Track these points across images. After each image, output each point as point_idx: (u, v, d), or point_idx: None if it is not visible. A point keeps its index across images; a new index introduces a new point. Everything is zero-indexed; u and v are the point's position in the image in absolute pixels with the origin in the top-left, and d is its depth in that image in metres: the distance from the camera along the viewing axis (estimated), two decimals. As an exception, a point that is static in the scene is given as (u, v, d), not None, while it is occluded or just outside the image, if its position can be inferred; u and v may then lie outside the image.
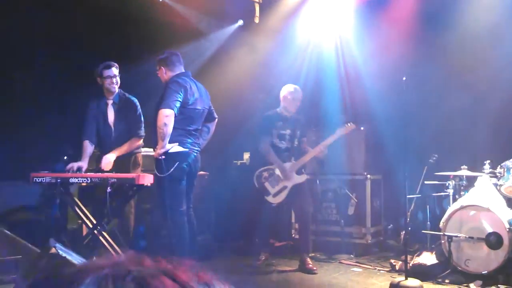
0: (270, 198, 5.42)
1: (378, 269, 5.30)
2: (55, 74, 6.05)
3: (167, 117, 4.17)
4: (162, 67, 4.54)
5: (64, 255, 2.74)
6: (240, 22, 7.75)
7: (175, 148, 4.30)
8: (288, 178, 5.37)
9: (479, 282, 4.51)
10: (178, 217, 4.37)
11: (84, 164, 4.64)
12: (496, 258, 4.53)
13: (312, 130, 6.26)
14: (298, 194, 5.43)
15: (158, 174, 4.29)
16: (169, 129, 4.19)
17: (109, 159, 4.61)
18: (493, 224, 4.60)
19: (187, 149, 4.42)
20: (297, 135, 5.48)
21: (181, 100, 4.31)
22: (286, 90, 5.53)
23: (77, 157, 4.76)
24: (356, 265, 5.52)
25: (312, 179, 6.22)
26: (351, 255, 5.95)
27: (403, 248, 4.95)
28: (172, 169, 4.24)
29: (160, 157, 4.22)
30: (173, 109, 4.21)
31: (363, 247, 6.11)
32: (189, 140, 4.46)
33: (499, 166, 4.95)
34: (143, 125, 4.97)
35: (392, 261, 5.29)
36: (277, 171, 5.42)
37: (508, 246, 4.48)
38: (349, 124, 5.40)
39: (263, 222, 5.57)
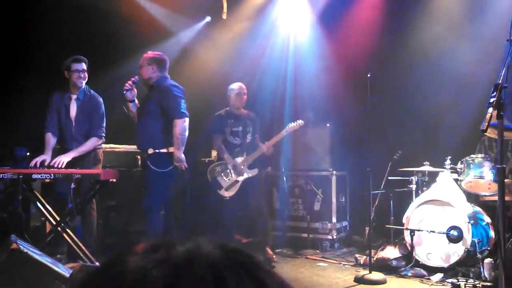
0: (222, 192, 5.55)
1: (343, 264, 5.38)
2: (15, 69, 5.89)
3: (186, 124, 4.56)
4: (155, 65, 4.69)
5: (25, 250, 2.69)
6: (208, 19, 7.72)
7: (171, 149, 4.56)
8: (239, 172, 5.53)
9: (440, 275, 4.63)
10: (160, 211, 4.66)
11: (47, 157, 4.58)
12: (456, 252, 4.66)
13: (274, 127, 6.32)
14: (250, 188, 5.57)
15: (158, 170, 4.49)
16: (187, 134, 4.57)
17: (61, 159, 4.50)
18: (454, 218, 4.73)
19: None
20: (250, 130, 5.65)
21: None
22: (229, 88, 5.73)
23: (38, 152, 4.68)
24: (322, 260, 5.58)
25: (279, 175, 6.29)
26: (317, 251, 6.02)
27: (367, 243, 5.05)
28: (171, 167, 4.53)
29: (180, 164, 4.53)
30: (188, 116, 4.59)
31: (329, 242, 6.18)
32: None
33: (460, 161, 5.09)
34: (104, 125, 4.92)
35: (357, 255, 5.38)
36: (229, 165, 5.58)
37: (467, 240, 4.60)
38: (297, 122, 5.60)
39: (223, 216, 5.67)
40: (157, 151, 4.52)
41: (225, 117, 5.67)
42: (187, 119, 4.56)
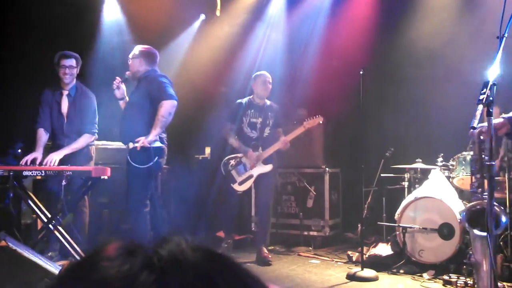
0: (236, 186, 5.48)
1: (336, 261, 5.39)
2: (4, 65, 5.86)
3: (173, 108, 4.40)
4: (142, 59, 4.62)
5: (14, 248, 2.68)
6: (203, 17, 7.69)
7: (157, 142, 4.42)
8: (253, 166, 5.45)
9: (432, 272, 4.64)
10: (144, 208, 4.47)
11: (38, 154, 4.55)
12: (448, 248, 4.67)
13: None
14: (261, 185, 5.54)
15: (137, 166, 4.35)
16: (170, 119, 4.40)
17: (53, 157, 4.49)
18: (445, 215, 4.74)
19: (163, 145, 4.53)
20: (269, 123, 5.54)
21: None
22: (254, 75, 5.63)
23: (31, 148, 4.65)
24: (314, 257, 5.59)
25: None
26: (310, 248, 6.03)
27: (360, 240, 5.06)
28: (151, 163, 4.35)
29: (149, 145, 4.29)
30: (177, 101, 4.43)
31: (321, 239, 6.19)
32: (164, 135, 4.58)
33: (452, 159, 5.11)
34: (96, 121, 4.90)
35: (349, 252, 5.39)
36: (244, 159, 5.49)
37: (459, 237, 4.61)
38: (316, 117, 5.48)
39: (228, 210, 5.64)
40: (136, 145, 4.35)
41: (245, 106, 5.54)
42: (175, 102, 4.42)
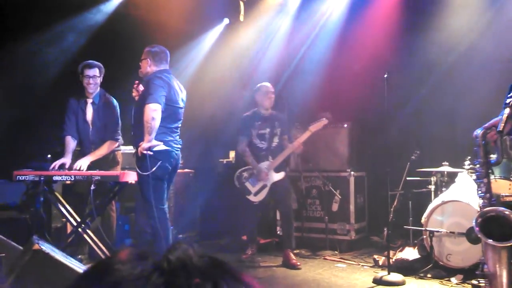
0: (251, 197, 5.57)
1: (362, 265, 5.37)
2: (37, 70, 6.00)
3: (155, 111, 4.14)
4: (149, 59, 4.44)
5: (47, 251, 2.75)
6: (226, 21, 7.75)
7: (158, 146, 4.24)
8: (266, 177, 5.51)
9: (460, 276, 4.59)
10: (162, 214, 4.31)
11: (67, 160, 4.64)
12: (476, 253, 4.59)
13: (296, 127, 6.36)
14: (279, 192, 5.58)
15: (140, 172, 4.22)
16: (157, 123, 4.15)
17: (81, 164, 4.54)
18: (473, 219, 4.66)
19: (169, 148, 4.36)
20: (277, 133, 5.62)
21: (165, 95, 4.28)
22: (256, 87, 5.73)
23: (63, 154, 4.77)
24: (340, 261, 5.58)
25: (296, 176, 6.31)
26: (336, 251, 6.01)
27: (386, 244, 5.03)
28: (155, 168, 4.18)
29: (146, 152, 4.12)
30: (160, 104, 4.19)
31: (347, 243, 6.17)
32: (171, 138, 4.40)
33: (479, 162, 5.03)
34: (119, 128, 4.97)
35: (376, 256, 5.36)
36: (255, 171, 5.59)
37: (488, 241, 4.54)
38: (322, 120, 5.52)
39: (249, 219, 5.71)
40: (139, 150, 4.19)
41: (252, 118, 5.64)
42: (157, 106, 4.15)
